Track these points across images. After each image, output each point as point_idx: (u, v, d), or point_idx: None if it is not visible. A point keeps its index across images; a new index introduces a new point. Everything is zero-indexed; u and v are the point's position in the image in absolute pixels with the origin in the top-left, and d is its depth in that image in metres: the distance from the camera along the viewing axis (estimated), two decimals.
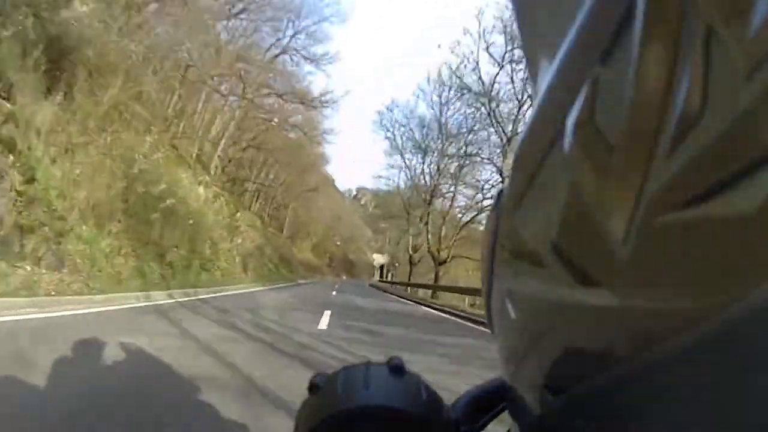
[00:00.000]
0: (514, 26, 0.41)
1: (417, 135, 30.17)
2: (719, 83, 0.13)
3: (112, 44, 9.69)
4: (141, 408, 2.29)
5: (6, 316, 4.04)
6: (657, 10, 0.16)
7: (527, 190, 0.29)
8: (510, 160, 0.33)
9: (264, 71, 22.82)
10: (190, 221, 11.54)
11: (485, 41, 24.27)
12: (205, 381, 2.87)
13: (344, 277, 55.32)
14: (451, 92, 25.81)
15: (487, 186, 26.02)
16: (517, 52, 19.95)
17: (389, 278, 50.52)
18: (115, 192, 8.32)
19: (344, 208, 65.94)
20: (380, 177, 48.92)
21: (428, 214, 28.44)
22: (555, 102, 0.26)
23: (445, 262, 27.86)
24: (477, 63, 28.30)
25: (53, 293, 5.32)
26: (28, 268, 5.46)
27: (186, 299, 7.70)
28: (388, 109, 49.85)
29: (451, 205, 29.28)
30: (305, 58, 25.09)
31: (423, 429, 0.30)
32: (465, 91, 23.89)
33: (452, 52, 34.79)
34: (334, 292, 17.15)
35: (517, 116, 21.55)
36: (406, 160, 31.29)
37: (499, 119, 22.34)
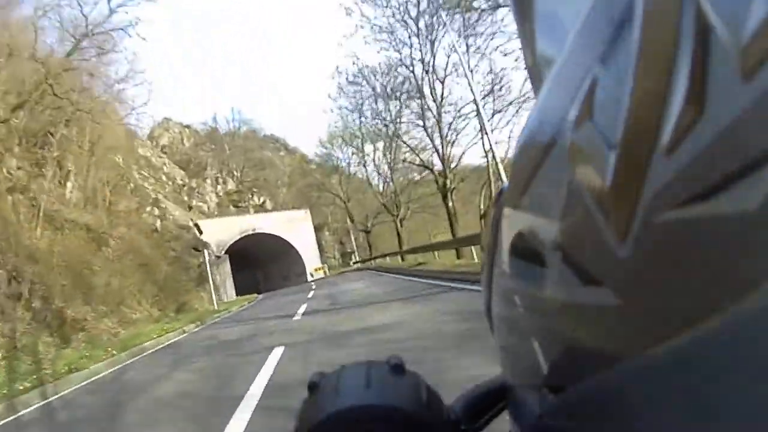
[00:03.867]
0: None
1: None
2: (718, 83, 0.13)
3: None
4: None
5: None
6: (656, 10, 0.16)
7: (527, 190, 0.29)
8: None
9: None
10: None
11: None
12: None
13: None
14: None
15: None
16: None
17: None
18: None
19: None
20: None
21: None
22: (555, 102, 0.26)
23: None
24: None
25: None
26: None
27: None
28: None
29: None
30: None
31: (423, 428, 0.30)
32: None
33: None
34: None
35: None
36: None
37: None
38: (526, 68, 0.43)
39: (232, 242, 33.44)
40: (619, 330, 0.17)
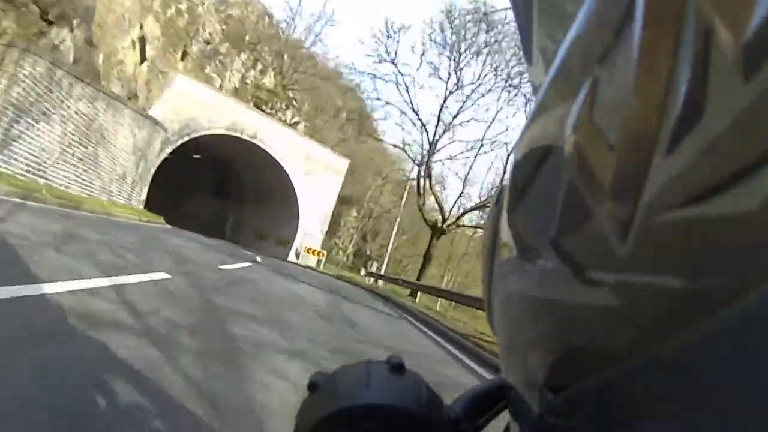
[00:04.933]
0: None
1: None
2: (719, 83, 0.12)
3: None
4: None
5: None
6: (657, 10, 0.16)
7: (528, 189, 0.29)
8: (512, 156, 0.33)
9: None
10: None
11: None
12: None
13: None
14: None
15: None
16: None
17: None
18: None
19: None
20: None
21: None
22: (555, 102, 0.26)
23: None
24: None
25: None
26: None
27: None
28: None
29: None
30: None
31: (423, 428, 0.30)
32: None
33: None
34: None
35: None
36: None
37: None
38: (526, 68, 0.42)
39: (206, 133, 19.32)
40: (619, 330, 0.17)
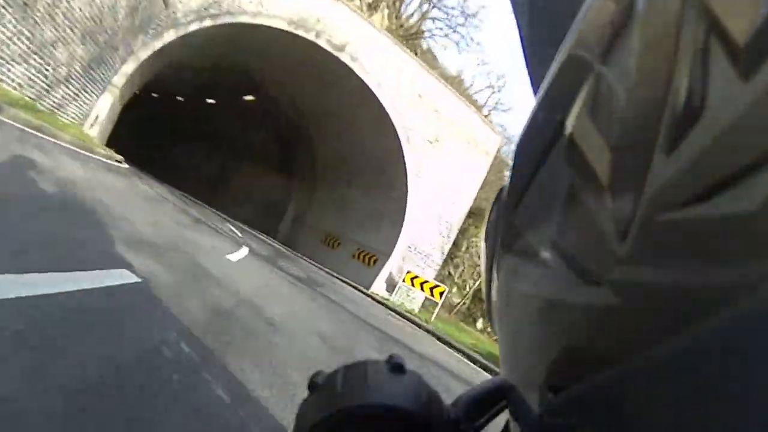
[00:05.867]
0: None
1: None
2: (719, 83, 0.12)
3: None
4: None
5: None
6: (656, 10, 0.16)
7: (528, 189, 0.30)
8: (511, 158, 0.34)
9: None
10: None
11: None
12: None
13: None
14: None
15: None
16: None
17: None
18: None
19: None
20: None
21: None
22: (555, 101, 0.26)
23: None
24: None
25: None
26: None
27: None
28: None
29: None
30: None
31: (423, 427, 0.30)
32: None
33: None
34: None
35: None
36: None
37: None
38: (526, 68, 0.44)
39: (248, 21, 9.92)
40: (619, 330, 0.17)
